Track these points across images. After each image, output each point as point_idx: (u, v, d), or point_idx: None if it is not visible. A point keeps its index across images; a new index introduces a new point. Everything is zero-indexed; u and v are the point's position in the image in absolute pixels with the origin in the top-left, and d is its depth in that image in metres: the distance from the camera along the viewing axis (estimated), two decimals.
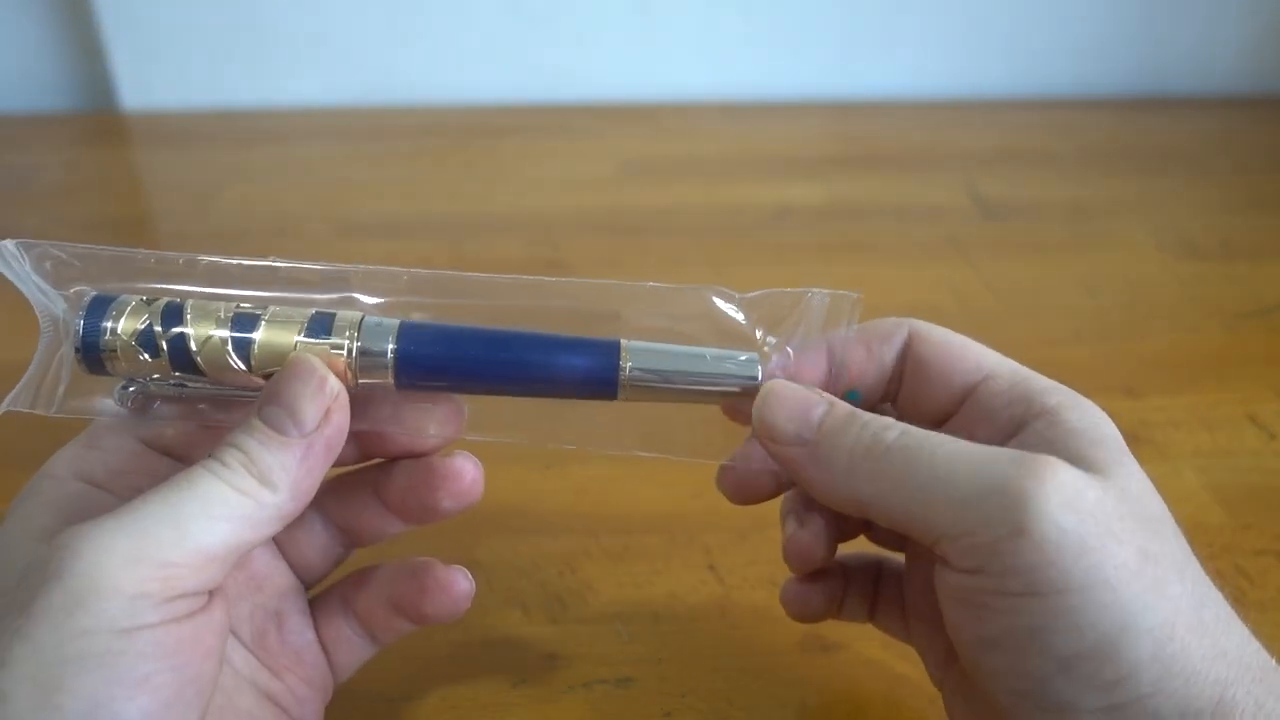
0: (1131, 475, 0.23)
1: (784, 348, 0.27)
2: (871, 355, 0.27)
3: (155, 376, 0.25)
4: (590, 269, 0.58)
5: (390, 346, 0.25)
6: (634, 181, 0.70)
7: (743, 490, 0.28)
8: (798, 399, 0.25)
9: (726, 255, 0.60)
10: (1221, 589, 0.23)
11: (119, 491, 0.24)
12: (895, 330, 0.27)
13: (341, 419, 0.24)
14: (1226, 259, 0.60)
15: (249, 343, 0.24)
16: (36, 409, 0.25)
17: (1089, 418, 0.24)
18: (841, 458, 0.23)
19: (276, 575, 0.28)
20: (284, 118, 0.81)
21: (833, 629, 0.34)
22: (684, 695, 0.32)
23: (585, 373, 0.25)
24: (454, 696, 0.32)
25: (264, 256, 0.26)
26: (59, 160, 0.75)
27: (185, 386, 0.25)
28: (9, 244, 0.25)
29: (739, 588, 0.36)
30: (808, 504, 0.28)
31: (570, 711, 0.32)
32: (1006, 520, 0.21)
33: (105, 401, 0.25)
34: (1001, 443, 0.24)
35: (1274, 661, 0.22)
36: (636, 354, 0.25)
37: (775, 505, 0.40)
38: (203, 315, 0.24)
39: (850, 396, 0.27)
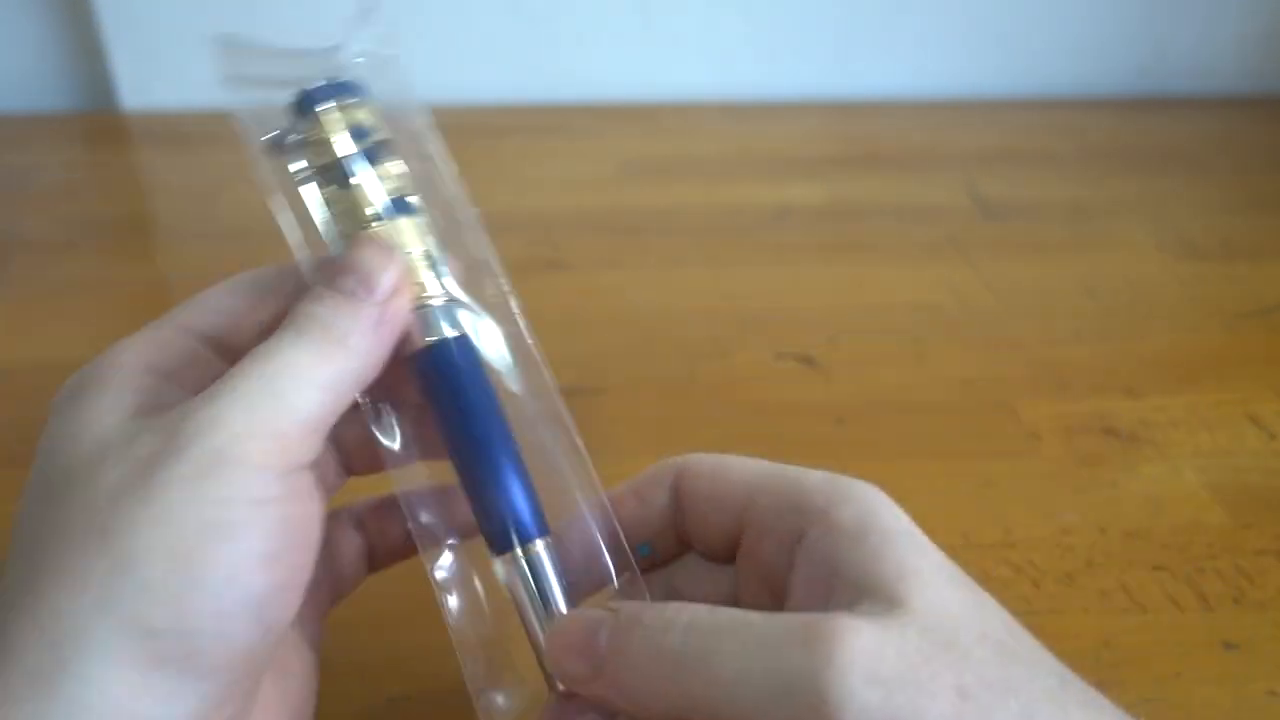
0: (924, 582, 0.21)
1: None
2: (644, 503, 0.27)
3: (308, 159, 0.26)
4: (590, 269, 0.58)
5: (435, 337, 0.25)
6: (634, 181, 0.70)
7: None
8: (579, 630, 0.23)
9: (726, 255, 0.60)
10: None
11: (188, 387, 0.24)
12: (663, 474, 0.27)
13: (408, 296, 0.24)
14: (1226, 259, 0.60)
15: (385, 217, 0.25)
16: (224, 59, 0.27)
17: (862, 511, 0.23)
18: (637, 679, 0.22)
19: None
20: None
21: None
22: None
23: (494, 519, 0.25)
24: (454, 696, 0.32)
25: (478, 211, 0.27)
26: (59, 160, 0.75)
27: (303, 178, 0.26)
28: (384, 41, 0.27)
29: None
30: None
31: None
32: (817, 712, 0.19)
33: (257, 119, 0.27)
34: (788, 554, 0.23)
35: None
36: (535, 556, 0.25)
37: None
38: (387, 176, 0.25)
39: (641, 551, 0.27)
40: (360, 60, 0.27)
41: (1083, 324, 0.53)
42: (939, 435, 0.45)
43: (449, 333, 0.25)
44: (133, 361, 0.24)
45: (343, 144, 0.25)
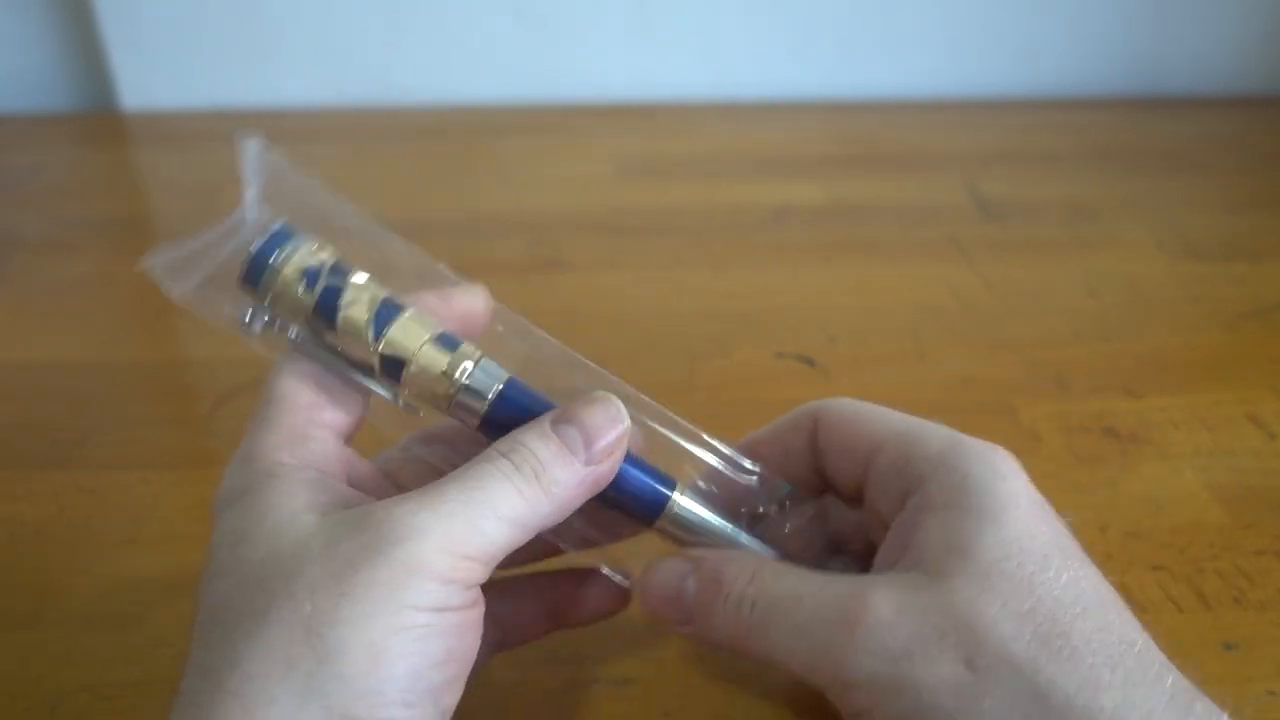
0: (973, 559, 0.23)
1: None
2: (785, 451, 0.29)
3: (283, 318, 0.26)
4: (590, 269, 0.58)
5: (496, 388, 0.26)
6: (633, 181, 0.70)
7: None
8: (664, 586, 0.27)
9: (726, 255, 0.60)
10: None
11: (339, 480, 0.26)
12: (802, 420, 0.29)
13: (618, 461, 0.26)
14: (1227, 259, 0.60)
15: (386, 324, 0.26)
16: (167, 281, 0.26)
17: (955, 484, 0.25)
18: (723, 636, 0.26)
19: None
20: (284, 118, 0.81)
21: None
22: (684, 695, 0.32)
23: (635, 499, 0.27)
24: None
25: (436, 263, 0.29)
26: (59, 160, 0.75)
27: (299, 340, 0.26)
28: (256, 143, 0.27)
29: None
30: None
31: (570, 711, 0.32)
32: (838, 676, 0.23)
33: (227, 313, 0.27)
34: (898, 510, 0.26)
35: None
36: (681, 507, 0.28)
37: None
38: (359, 288, 0.26)
39: (785, 489, 0.30)
40: (264, 209, 0.27)
41: (1083, 324, 0.53)
42: None
43: (497, 384, 0.26)
44: (287, 459, 0.25)
45: (307, 285, 0.25)
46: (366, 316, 0.25)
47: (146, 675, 0.32)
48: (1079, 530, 0.39)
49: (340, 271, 0.26)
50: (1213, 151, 0.76)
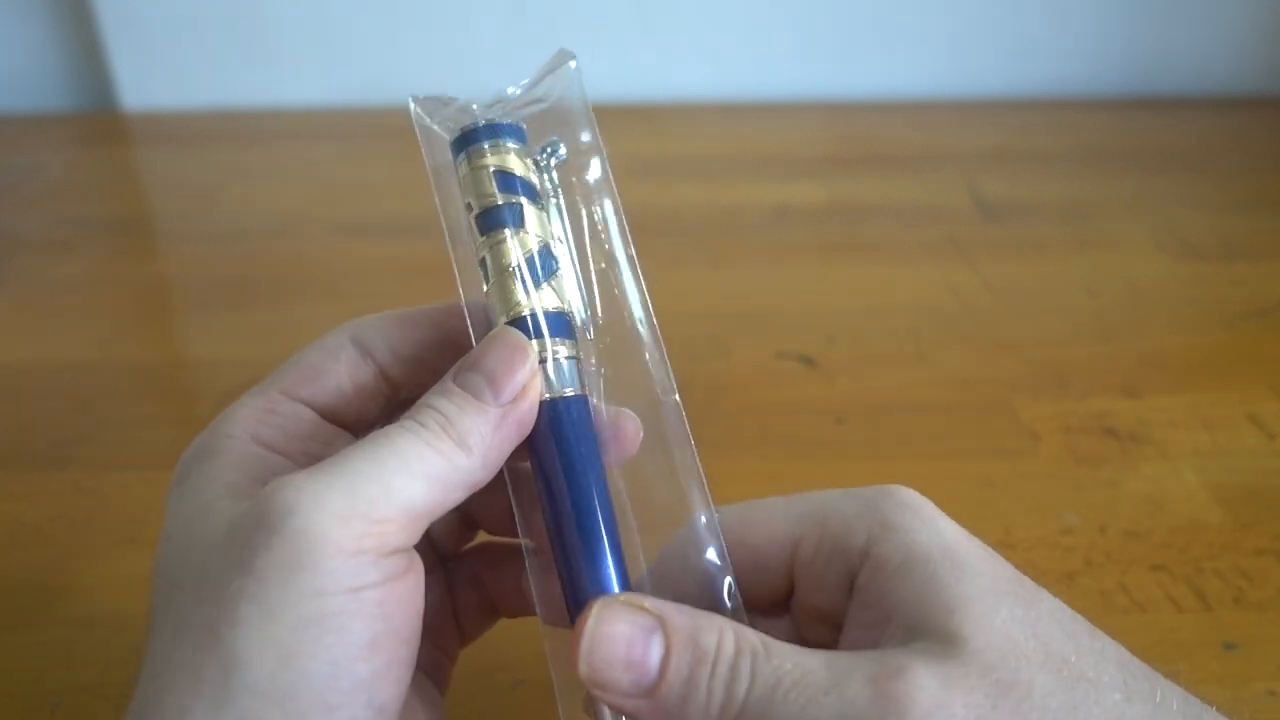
0: (977, 611, 0.21)
1: None
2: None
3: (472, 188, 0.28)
4: None
5: (563, 393, 0.24)
6: (634, 181, 0.70)
7: None
8: (619, 641, 0.21)
9: (726, 255, 0.60)
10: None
11: (296, 458, 0.24)
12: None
13: (535, 398, 0.23)
14: (1226, 259, 0.60)
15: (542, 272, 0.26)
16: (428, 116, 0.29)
17: (904, 541, 0.22)
18: (694, 716, 0.21)
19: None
20: (284, 118, 0.81)
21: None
22: None
23: (580, 596, 0.23)
24: (454, 696, 0.32)
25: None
26: (59, 160, 0.75)
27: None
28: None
29: None
30: None
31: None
32: None
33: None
34: (844, 597, 0.23)
35: None
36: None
37: None
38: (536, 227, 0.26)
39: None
40: (539, 107, 0.28)
41: (1082, 324, 0.53)
42: (939, 435, 0.45)
43: (565, 391, 0.24)
44: (239, 433, 0.23)
45: (494, 181, 0.27)
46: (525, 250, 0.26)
47: None
48: (1079, 530, 0.39)
49: (535, 196, 0.27)
50: (1212, 151, 0.76)
